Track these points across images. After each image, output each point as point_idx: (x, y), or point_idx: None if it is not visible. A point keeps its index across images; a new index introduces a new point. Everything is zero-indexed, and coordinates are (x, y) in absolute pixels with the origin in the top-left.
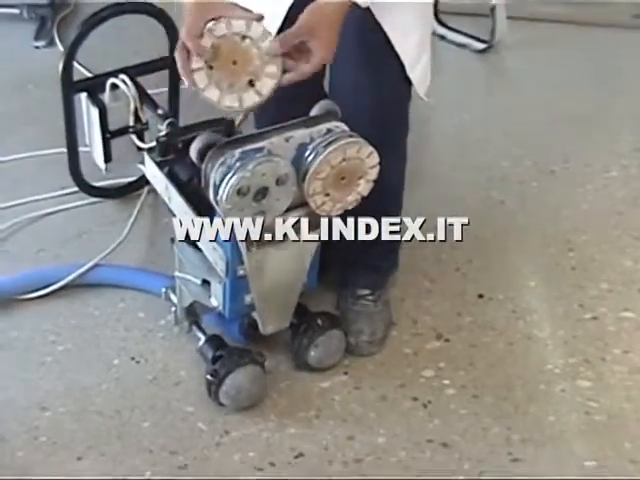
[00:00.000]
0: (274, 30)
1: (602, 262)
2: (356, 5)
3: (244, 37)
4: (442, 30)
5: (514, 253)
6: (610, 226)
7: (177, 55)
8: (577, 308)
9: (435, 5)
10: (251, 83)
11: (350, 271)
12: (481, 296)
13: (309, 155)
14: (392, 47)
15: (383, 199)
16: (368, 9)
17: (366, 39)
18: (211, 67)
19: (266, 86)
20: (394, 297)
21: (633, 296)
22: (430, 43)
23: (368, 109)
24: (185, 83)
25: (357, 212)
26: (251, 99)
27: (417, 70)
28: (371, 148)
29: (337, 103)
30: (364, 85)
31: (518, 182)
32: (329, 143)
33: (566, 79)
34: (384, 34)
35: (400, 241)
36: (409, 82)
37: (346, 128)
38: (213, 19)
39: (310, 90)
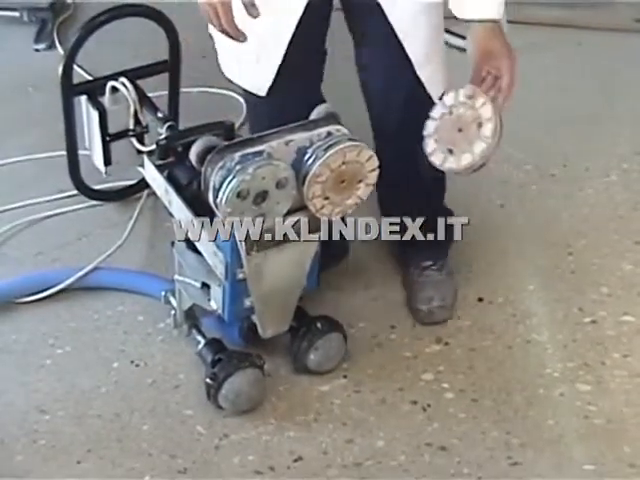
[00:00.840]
0: (285, 42)
1: (602, 266)
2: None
3: (449, 113)
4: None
5: (514, 257)
6: (610, 230)
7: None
8: (577, 312)
9: None
10: (480, 125)
11: (411, 248)
12: (480, 300)
13: (309, 158)
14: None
15: (428, 186)
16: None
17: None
18: (451, 150)
19: (488, 111)
20: (394, 301)
21: (633, 300)
22: (443, 50)
23: (403, 105)
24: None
25: (406, 199)
26: (488, 130)
27: (427, 70)
28: (371, 152)
29: (369, 102)
30: (396, 83)
31: (518, 185)
32: (329, 146)
33: (566, 83)
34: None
35: (452, 214)
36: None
37: (346, 131)
38: None
39: (308, 95)
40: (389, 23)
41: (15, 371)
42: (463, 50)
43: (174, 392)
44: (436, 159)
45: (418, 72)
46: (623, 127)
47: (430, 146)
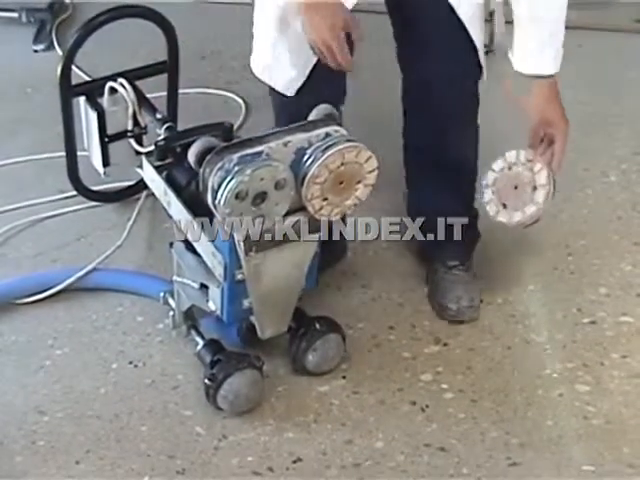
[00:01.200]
0: (300, 82)
1: (601, 266)
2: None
3: (509, 168)
4: None
5: (513, 257)
6: (609, 231)
7: (335, 48)
8: (576, 312)
9: None
10: (534, 188)
11: (437, 248)
12: (480, 300)
13: (307, 159)
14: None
15: (461, 172)
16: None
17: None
18: (505, 205)
19: (544, 178)
20: (393, 301)
21: (632, 301)
22: None
23: (469, 90)
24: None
25: (436, 183)
26: (541, 196)
27: (482, 56)
28: (369, 152)
29: (423, 90)
30: (464, 71)
31: None
32: (327, 147)
33: (566, 83)
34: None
35: (476, 216)
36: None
37: (345, 132)
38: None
39: (334, 96)
40: (457, 17)
41: (14, 372)
42: None
43: (173, 393)
44: (490, 209)
45: (480, 56)
46: (623, 128)
47: (487, 196)
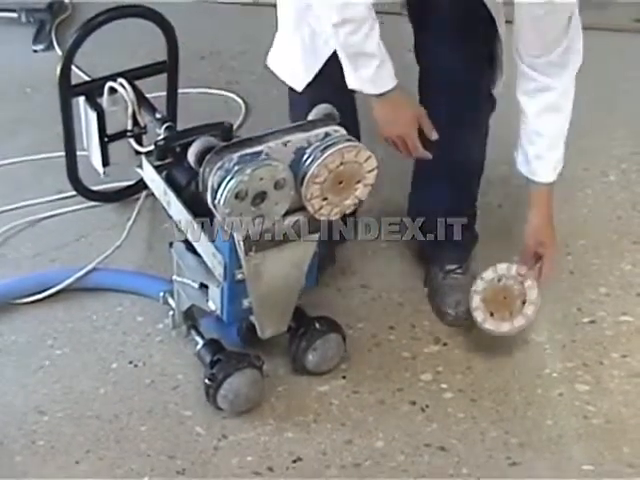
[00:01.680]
0: (310, 77)
1: (600, 266)
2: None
3: (498, 280)
4: None
5: (512, 257)
6: (609, 230)
7: (408, 140)
8: (575, 312)
9: None
10: (523, 302)
11: (436, 249)
12: None
13: (307, 159)
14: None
15: (468, 173)
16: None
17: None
18: (492, 314)
19: (535, 294)
20: (393, 301)
21: (631, 300)
22: None
23: (473, 90)
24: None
25: (442, 183)
26: (530, 310)
27: (503, 53)
28: (369, 152)
29: (440, 86)
30: (464, 69)
31: (516, 185)
32: (327, 147)
33: None
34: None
35: (475, 217)
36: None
37: (344, 132)
38: None
39: (340, 96)
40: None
41: (14, 372)
42: None
43: (173, 393)
44: (478, 316)
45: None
46: (622, 127)
47: (475, 302)
